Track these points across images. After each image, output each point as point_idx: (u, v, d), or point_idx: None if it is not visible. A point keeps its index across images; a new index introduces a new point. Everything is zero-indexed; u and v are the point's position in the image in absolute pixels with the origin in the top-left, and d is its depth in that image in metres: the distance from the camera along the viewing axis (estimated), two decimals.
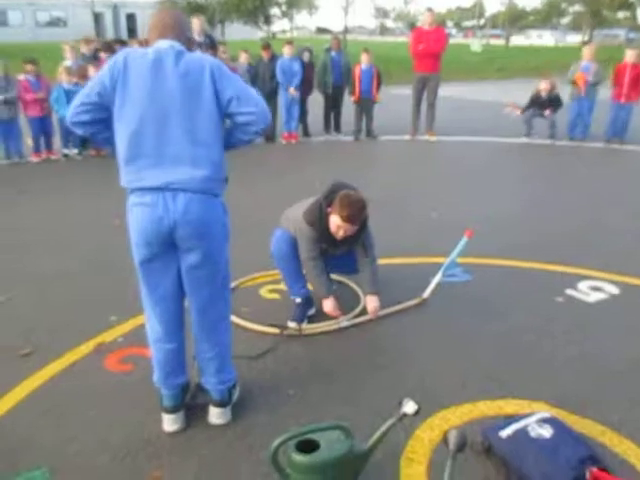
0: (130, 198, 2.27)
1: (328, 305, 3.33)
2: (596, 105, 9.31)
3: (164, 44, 2.27)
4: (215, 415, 2.51)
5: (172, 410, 2.47)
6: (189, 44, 2.37)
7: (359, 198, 3.13)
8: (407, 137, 9.86)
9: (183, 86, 2.20)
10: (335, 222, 3.12)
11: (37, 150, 8.05)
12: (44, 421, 2.52)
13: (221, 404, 2.51)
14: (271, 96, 9.36)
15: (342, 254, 3.45)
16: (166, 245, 2.26)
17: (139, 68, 2.20)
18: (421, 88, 9.62)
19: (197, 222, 2.22)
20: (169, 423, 2.47)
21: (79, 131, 2.34)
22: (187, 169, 2.19)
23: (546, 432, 2.23)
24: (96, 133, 2.34)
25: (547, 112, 9.23)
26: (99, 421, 2.53)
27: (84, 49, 8.77)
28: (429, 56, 9.36)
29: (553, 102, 9.23)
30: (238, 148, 2.45)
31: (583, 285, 3.95)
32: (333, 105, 9.84)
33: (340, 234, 3.16)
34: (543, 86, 9.31)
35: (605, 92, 9.43)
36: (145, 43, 8.27)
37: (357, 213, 3.10)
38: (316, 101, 9.88)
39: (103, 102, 2.23)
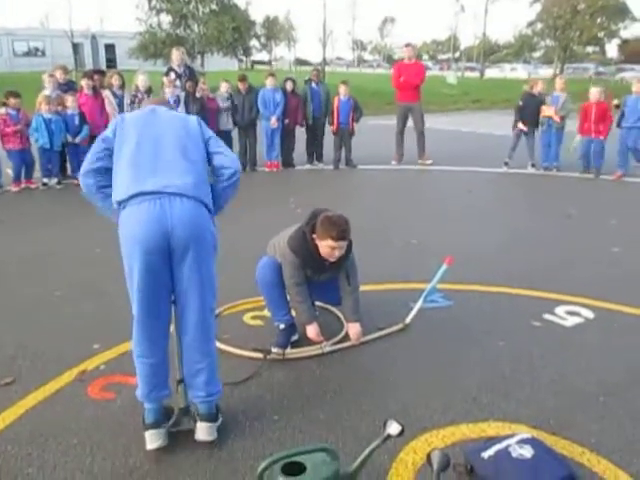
0: (124, 211, 2.37)
1: (311, 331, 3.36)
2: (564, 136, 9.59)
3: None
4: (203, 431, 2.52)
5: (154, 425, 2.48)
6: None
7: (339, 215, 3.20)
8: (393, 162, 10.17)
9: (174, 120, 2.60)
10: (327, 245, 3.14)
11: (17, 180, 8.03)
12: (27, 450, 2.50)
13: (209, 418, 2.53)
14: (250, 127, 9.50)
15: (326, 281, 3.49)
16: (163, 254, 2.34)
17: (136, 115, 2.64)
18: (404, 117, 10.10)
19: (194, 223, 2.36)
20: (151, 439, 2.46)
21: (90, 181, 2.52)
22: (181, 177, 2.40)
23: (527, 452, 2.28)
24: (106, 187, 2.50)
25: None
26: (82, 449, 2.51)
27: (60, 77, 8.77)
28: (409, 88, 9.91)
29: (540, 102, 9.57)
30: (227, 203, 2.69)
31: (560, 310, 4.03)
32: (314, 135, 10.01)
33: (336, 254, 3.19)
34: (540, 86, 9.79)
35: (573, 124, 9.72)
36: (121, 77, 8.40)
37: (345, 227, 3.15)
38: (299, 132, 10.04)
39: (108, 148, 2.49)
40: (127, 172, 2.39)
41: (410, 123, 10.14)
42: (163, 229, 2.30)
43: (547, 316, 3.93)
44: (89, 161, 2.52)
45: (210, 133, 2.63)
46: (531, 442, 2.35)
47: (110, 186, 2.48)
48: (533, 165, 9.78)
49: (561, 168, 9.59)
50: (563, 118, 9.40)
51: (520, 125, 9.67)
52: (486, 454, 2.30)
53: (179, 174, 2.39)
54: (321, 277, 3.45)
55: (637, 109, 8.91)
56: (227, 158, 2.61)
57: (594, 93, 9.25)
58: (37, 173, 8.24)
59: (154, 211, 2.30)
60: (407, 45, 10.35)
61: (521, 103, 9.81)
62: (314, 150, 10.11)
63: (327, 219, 3.15)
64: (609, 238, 5.81)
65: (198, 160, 2.50)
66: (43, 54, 38.73)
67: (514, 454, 2.27)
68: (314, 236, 3.19)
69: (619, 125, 9.18)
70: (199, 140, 2.56)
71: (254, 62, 52.73)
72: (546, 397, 2.95)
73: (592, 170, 9.33)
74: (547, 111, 9.45)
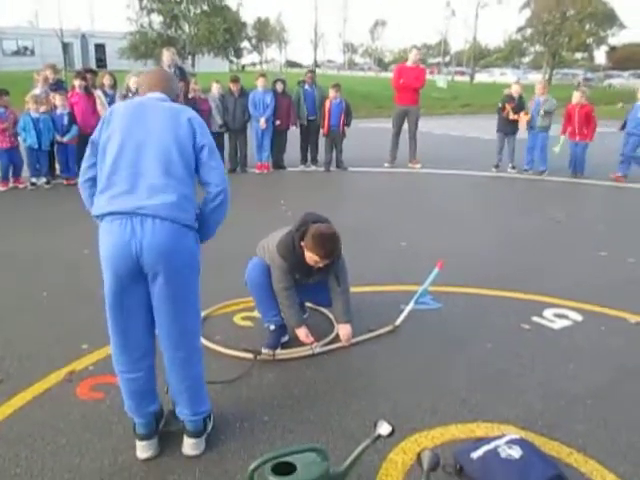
0: (101, 227, 2.31)
1: (301, 333, 3.37)
2: (549, 139, 9.69)
3: (152, 95, 2.49)
4: (189, 446, 2.48)
5: (145, 437, 2.46)
6: (176, 98, 2.58)
7: (331, 233, 3.17)
8: (386, 165, 10.22)
9: (162, 119, 2.36)
10: (313, 258, 3.17)
11: (4, 179, 7.96)
12: (15, 450, 2.48)
13: (195, 434, 2.48)
14: (242, 132, 9.47)
15: (315, 284, 3.50)
16: (135, 275, 2.26)
17: (123, 110, 2.40)
18: (401, 119, 10.16)
19: (163, 247, 2.24)
20: (142, 450, 2.45)
21: (86, 192, 2.46)
22: (158, 196, 2.25)
23: (515, 453, 2.29)
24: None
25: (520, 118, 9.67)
26: (71, 449, 2.50)
27: (49, 76, 8.67)
28: (409, 90, 9.98)
29: (521, 105, 9.74)
30: (216, 227, 2.56)
31: (548, 312, 4.06)
32: (308, 137, 10.02)
33: (319, 265, 3.23)
34: (514, 88, 9.95)
35: (558, 128, 9.84)
36: (113, 77, 8.31)
37: (334, 248, 3.17)
38: (293, 134, 10.04)
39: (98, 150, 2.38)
40: (104, 185, 2.29)
41: (405, 125, 10.20)
42: (131, 253, 2.22)
43: (535, 319, 3.96)
44: (82, 171, 2.46)
45: (205, 141, 2.39)
46: (520, 443, 2.37)
47: None
48: (513, 167, 10.00)
49: (549, 172, 9.67)
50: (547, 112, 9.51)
51: (511, 115, 9.72)
52: (475, 454, 2.31)
53: (157, 193, 2.25)
54: (310, 280, 3.45)
55: (637, 117, 9.12)
56: (216, 173, 2.41)
57: (576, 96, 9.38)
58: (25, 173, 8.17)
59: (124, 233, 2.21)
60: (415, 48, 10.46)
61: (500, 105, 10.00)
62: (308, 152, 10.12)
63: (319, 236, 3.12)
64: (597, 242, 5.86)
65: (183, 175, 2.32)
66: (32, 53, 38.39)
67: (503, 454, 2.29)
68: (302, 244, 3.19)
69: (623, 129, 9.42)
70: (189, 147, 2.35)
71: (244, 66, 52.67)
72: (534, 399, 2.97)
73: (578, 174, 9.44)
74: (521, 117, 9.62)
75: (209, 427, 2.57)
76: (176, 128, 2.34)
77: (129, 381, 2.42)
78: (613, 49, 56.74)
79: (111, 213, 2.24)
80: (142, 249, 2.21)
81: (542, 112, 9.42)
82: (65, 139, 8.10)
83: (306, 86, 9.81)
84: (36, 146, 7.93)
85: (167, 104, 2.44)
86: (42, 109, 7.94)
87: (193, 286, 2.41)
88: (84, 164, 2.45)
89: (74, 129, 8.14)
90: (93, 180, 2.41)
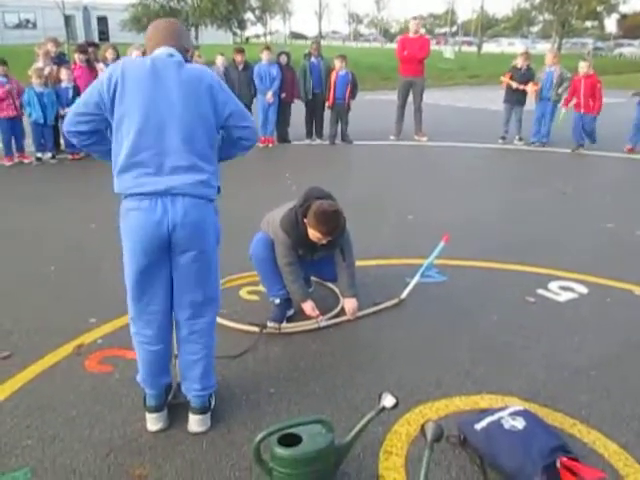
0: (125, 203, 2.28)
1: (307, 307, 3.39)
2: (557, 111, 9.59)
3: (162, 52, 2.32)
4: (195, 422, 2.49)
5: (156, 409, 2.49)
6: (187, 53, 2.43)
7: (334, 210, 3.16)
8: (392, 137, 10.16)
9: (182, 94, 2.25)
10: (315, 235, 3.18)
11: (8, 153, 7.95)
12: (26, 422, 2.52)
13: (201, 410, 2.49)
14: (247, 106, 9.37)
15: (320, 259, 3.51)
16: (162, 252, 2.27)
17: (137, 77, 2.23)
18: (406, 91, 10.05)
19: (195, 225, 2.27)
20: (152, 422, 2.48)
21: (74, 140, 2.36)
22: (186, 175, 2.25)
23: (519, 424, 2.31)
24: (92, 144, 2.38)
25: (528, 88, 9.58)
26: (81, 421, 2.54)
27: (51, 49, 8.56)
28: (413, 61, 9.85)
29: (528, 76, 9.63)
30: (231, 159, 2.60)
31: (554, 285, 4.07)
32: (313, 111, 9.93)
33: (322, 242, 3.23)
34: (519, 59, 9.88)
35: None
36: (116, 50, 8.20)
37: (336, 226, 3.16)
38: (298, 107, 9.95)
39: (102, 113, 2.26)
40: (126, 165, 2.23)
41: (410, 97, 10.10)
42: (163, 231, 2.22)
43: (541, 291, 3.96)
44: (75, 120, 2.28)
45: (229, 109, 2.34)
46: (523, 414, 2.39)
47: (98, 144, 2.36)
48: (520, 139, 9.90)
49: (550, 144, 9.60)
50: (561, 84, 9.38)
51: (514, 85, 9.64)
52: (479, 426, 2.33)
53: (184, 172, 2.24)
54: (314, 256, 3.46)
55: None
56: (250, 131, 2.47)
57: (583, 67, 9.22)
58: (31, 148, 8.16)
59: (154, 212, 2.20)
60: (415, 18, 10.28)
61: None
62: (314, 126, 10.04)
63: (322, 213, 3.11)
64: (604, 214, 5.83)
65: (207, 152, 2.32)
66: (34, 26, 38.01)
67: (506, 426, 2.30)
68: (305, 220, 3.19)
69: None
70: (212, 122, 2.32)
71: (248, 38, 51.94)
72: (538, 370, 2.99)
73: (578, 145, 9.32)
74: (530, 87, 9.51)
75: (213, 403, 2.59)
76: (197, 103, 2.27)
77: (150, 353, 2.44)
78: (624, 17, 55.73)
79: (140, 194, 2.22)
80: (175, 228, 2.23)
81: (559, 90, 9.29)
82: (67, 111, 8.02)
83: (312, 59, 9.68)
84: (41, 121, 7.91)
85: (184, 67, 2.30)
86: (44, 82, 7.83)
87: (216, 255, 2.45)
88: (77, 115, 2.28)
89: None
90: (82, 133, 2.30)
